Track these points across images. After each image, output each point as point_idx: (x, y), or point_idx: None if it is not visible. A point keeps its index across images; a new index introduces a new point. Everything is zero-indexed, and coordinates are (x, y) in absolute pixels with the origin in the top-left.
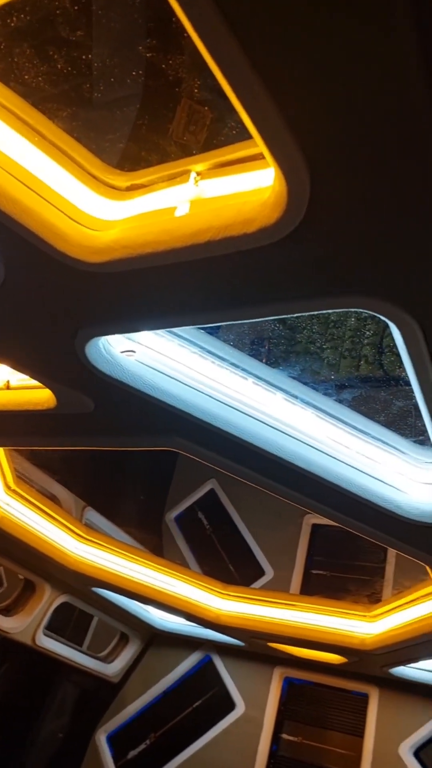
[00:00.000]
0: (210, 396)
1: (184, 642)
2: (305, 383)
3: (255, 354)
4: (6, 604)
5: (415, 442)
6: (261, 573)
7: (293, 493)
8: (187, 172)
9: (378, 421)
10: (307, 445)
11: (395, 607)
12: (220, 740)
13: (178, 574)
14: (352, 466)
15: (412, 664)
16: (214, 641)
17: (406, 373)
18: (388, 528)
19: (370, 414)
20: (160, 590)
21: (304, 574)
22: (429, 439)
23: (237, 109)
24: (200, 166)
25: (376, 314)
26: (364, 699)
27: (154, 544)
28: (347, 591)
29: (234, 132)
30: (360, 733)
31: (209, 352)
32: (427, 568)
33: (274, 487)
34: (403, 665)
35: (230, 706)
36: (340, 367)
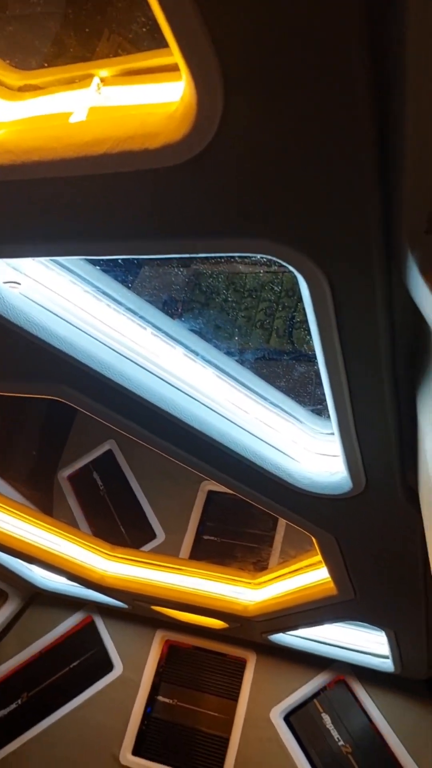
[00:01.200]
0: (102, 342)
1: (66, 602)
2: (208, 340)
3: (157, 303)
4: None
5: (312, 411)
6: (152, 536)
7: (185, 455)
8: (90, 77)
9: (278, 387)
10: (204, 405)
11: (279, 576)
12: (94, 701)
13: (64, 533)
14: (249, 431)
15: (291, 632)
16: (98, 602)
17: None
18: (278, 496)
19: (270, 378)
20: (45, 549)
21: (195, 539)
22: (326, 408)
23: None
24: (105, 71)
25: (283, 263)
26: (241, 664)
27: (43, 502)
28: (234, 558)
29: (144, 29)
30: (234, 696)
31: (105, 293)
32: (313, 538)
33: (166, 447)
34: (283, 633)
35: (108, 667)
36: (250, 335)
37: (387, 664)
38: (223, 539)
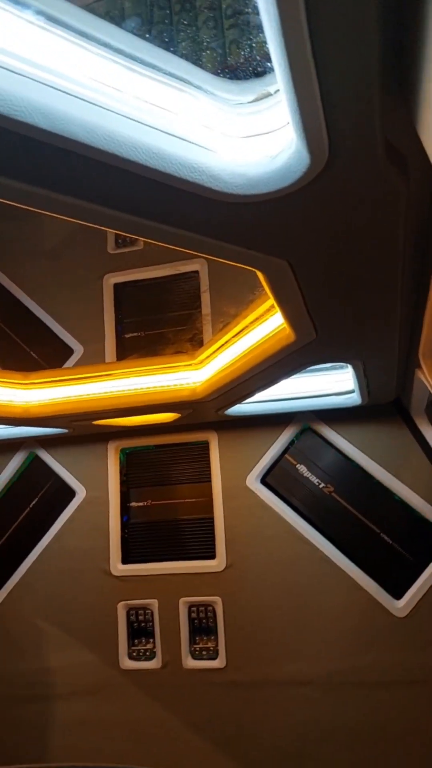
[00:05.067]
0: None
1: (0, 446)
2: None
3: None
4: None
5: (221, 75)
6: (69, 352)
7: (36, 191)
8: None
9: (155, 43)
10: (44, 85)
11: (222, 345)
12: (67, 529)
13: None
14: (133, 119)
15: (248, 400)
16: (35, 436)
17: None
18: (202, 223)
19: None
20: None
21: (117, 341)
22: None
23: None
24: None
25: None
26: (204, 446)
27: None
28: (168, 343)
29: None
30: (207, 478)
31: None
32: (259, 274)
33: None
34: (239, 403)
35: (70, 494)
36: None
37: (353, 399)
38: (148, 332)
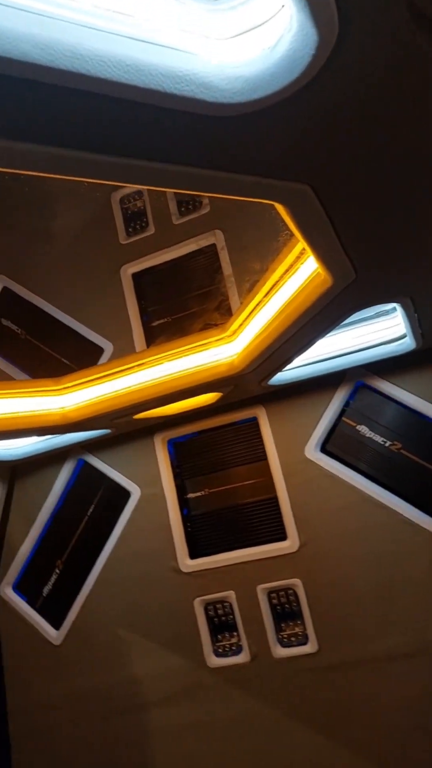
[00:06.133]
0: None
1: (48, 459)
2: None
3: None
4: None
5: None
6: (99, 351)
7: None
8: None
9: None
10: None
11: (253, 309)
12: (129, 532)
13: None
14: (99, 29)
15: (287, 367)
16: (79, 442)
17: None
18: (199, 146)
19: None
20: None
21: (145, 330)
22: None
23: None
24: None
25: None
26: (253, 423)
27: None
28: (196, 318)
29: None
30: (262, 456)
31: None
32: (280, 209)
33: None
34: (280, 371)
35: (125, 495)
36: None
37: (406, 344)
38: (174, 316)
